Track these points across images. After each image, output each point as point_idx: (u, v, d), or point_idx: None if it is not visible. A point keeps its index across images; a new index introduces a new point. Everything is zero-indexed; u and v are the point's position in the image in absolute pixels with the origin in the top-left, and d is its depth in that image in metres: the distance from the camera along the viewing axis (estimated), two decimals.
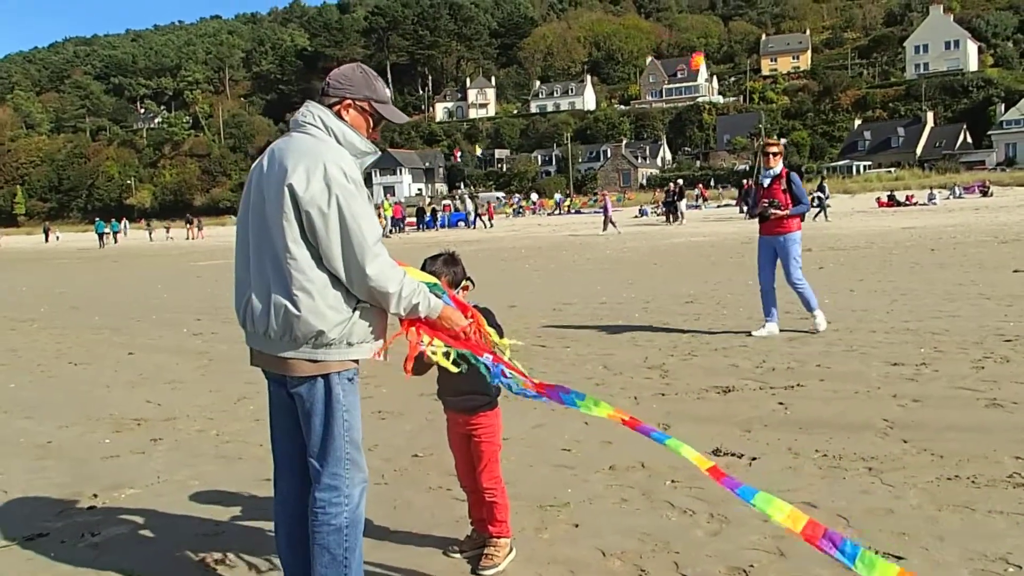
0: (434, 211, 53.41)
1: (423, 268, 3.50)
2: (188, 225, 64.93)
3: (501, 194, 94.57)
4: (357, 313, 2.94)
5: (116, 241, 57.10)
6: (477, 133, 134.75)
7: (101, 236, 53.90)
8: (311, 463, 3.01)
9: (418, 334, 3.14)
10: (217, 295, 15.99)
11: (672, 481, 4.59)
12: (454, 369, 3.21)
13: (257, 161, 3.11)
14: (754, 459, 4.87)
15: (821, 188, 36.10)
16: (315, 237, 2.84)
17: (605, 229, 34.90)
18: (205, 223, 70.62)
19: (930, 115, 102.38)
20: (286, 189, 2.84)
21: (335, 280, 2.89)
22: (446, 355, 3.21)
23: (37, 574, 3.83)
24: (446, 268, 3.56)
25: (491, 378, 3.24)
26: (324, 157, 2.87)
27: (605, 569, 3.59)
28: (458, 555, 3.78)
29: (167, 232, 68.74)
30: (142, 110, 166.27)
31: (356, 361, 3.02)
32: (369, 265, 2.84)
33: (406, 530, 4.10)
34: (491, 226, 47.86)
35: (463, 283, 3.59)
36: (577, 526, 4.06)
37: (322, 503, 2.98)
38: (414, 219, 53.19)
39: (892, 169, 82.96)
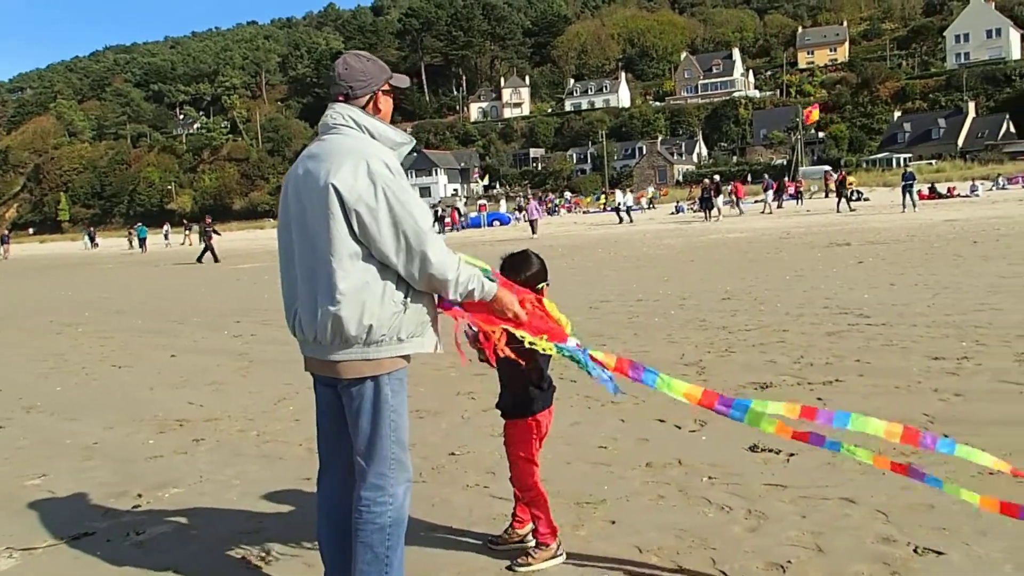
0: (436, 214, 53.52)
1: (504, 264, 3.56)
2: (187, 231, 61.18)
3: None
4: (405, 307, 2.95)
5: (144, 248, 52.81)
6: (512, 132, 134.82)
7: (143, 241, 54.54)
8: (357, 461, 3.04)
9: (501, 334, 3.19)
10: (256, 297, 16.12)
11: (709, 478, 4.57)
12: (554, 352, 3.27)
13: (291, 170, 3.13)
14: (792, 455, 4.84)
15: (910, 176, 35.15)
16: (366, 234, 2.85)
17: (535, 234, 34.88)
18: (244, 226, 68.89)
19: (971, 105, 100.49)
20: (331, 189, 2.85)
21: (382, 275, 2.91)
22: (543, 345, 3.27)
23: (84, 572, 3.91)
24: (529, 264, 3.60)
25: (584, 366, 3.32)
26: (364, 153, 2.90)
27: (642, 565, 3.59)
28: (496, 548, 3.82)
29: (165, 238, 64.85)
30: (181, 116, 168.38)
31: (407, 359, 3.04)
32: (430, 250, 2.88)
33: (444, 527, 4.14)
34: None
35: (542, 284, 3.57)
36: (614, 523, 4.06)
37: (367, 501, 3.01)
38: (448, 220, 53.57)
39: (933, 161, 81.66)
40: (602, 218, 52.27)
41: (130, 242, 61.98)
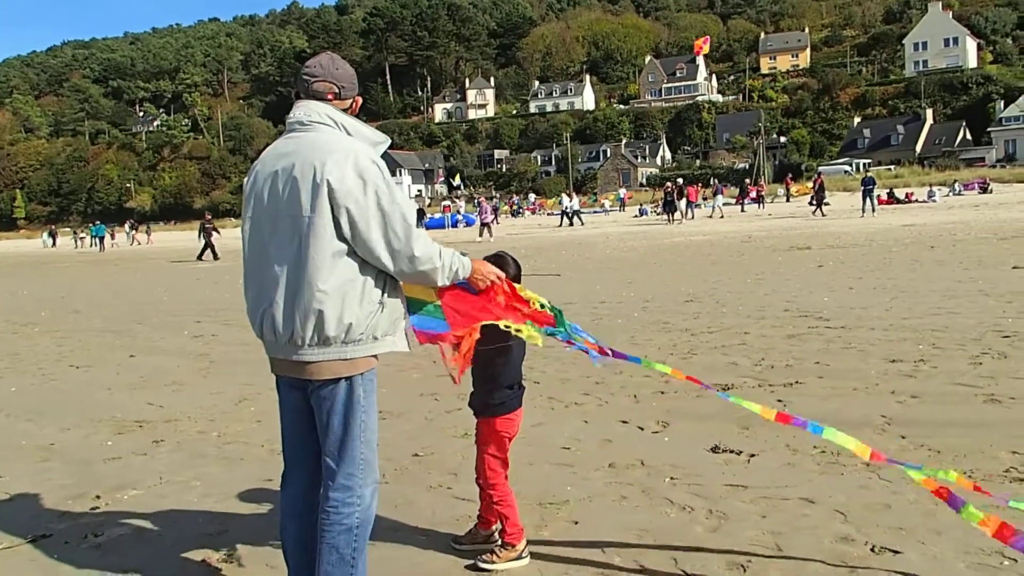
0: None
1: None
2: (132, 231, 60.98)
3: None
4: (381, 306, 2.95)
5: (102, 248, 52.13)
6: (476, 134, 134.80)
7: (101, 239, 53.81)
8: (326, 462, 3.01)
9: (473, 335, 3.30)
10: (217, 297, 15.99)
11: (671, 478, 4.61)
12: (540, 341, 3.50)
13: (258, 167, 3.06)
14: (753, 456, 4.89)
15: (870, 180, 35.71)
16: (353, 230, 2.83)
17: (481, 236, 34.88)
18: None
19: (929, 112, 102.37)
20: (321, 185, 2.81)
21: (362, 273, 2.89)
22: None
23: (41, 574, 3.85)
24: (505, 266, 3.65)
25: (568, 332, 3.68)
26: (351, 150, 2.87)
27: (604, 566, 3.61)
28: (459, 547, 3.83)
29: (112, 238, 61.53)
30: (141, 113, 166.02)
31: (376, 358, 3.03)
32: (416, 247, 2.90)
33: (408, 528, 4.14)
34: None
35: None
36: (577, 523, 4.08)
37: (335, 502, 2.99)
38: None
39: (892, 167, 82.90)
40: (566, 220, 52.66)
41: (75, 241, 61.04)
